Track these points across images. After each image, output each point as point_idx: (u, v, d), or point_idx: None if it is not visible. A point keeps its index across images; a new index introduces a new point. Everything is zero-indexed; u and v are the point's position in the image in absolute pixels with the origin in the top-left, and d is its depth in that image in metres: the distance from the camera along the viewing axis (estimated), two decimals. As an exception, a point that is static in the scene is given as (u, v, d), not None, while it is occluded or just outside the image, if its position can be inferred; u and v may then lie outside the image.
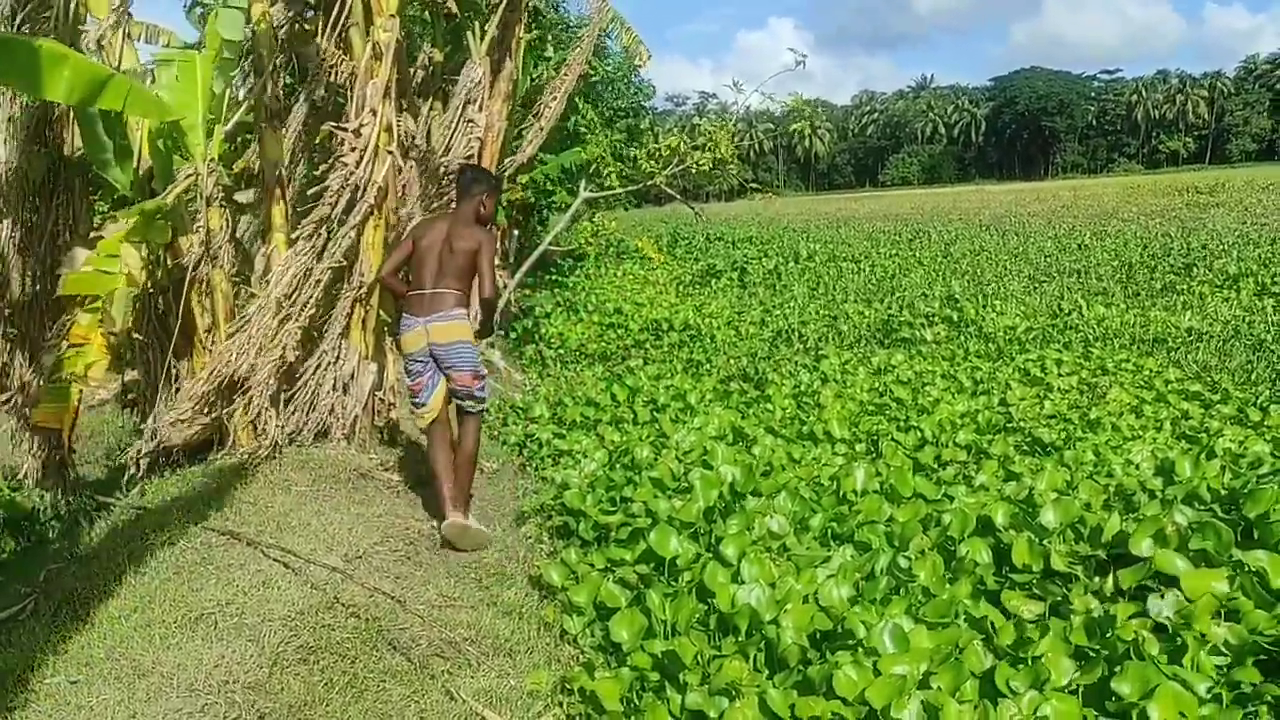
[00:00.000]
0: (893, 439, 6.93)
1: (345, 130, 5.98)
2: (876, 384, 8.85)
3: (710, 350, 11.61)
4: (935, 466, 6.15)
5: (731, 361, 10.61)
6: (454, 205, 5.64)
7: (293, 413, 5.93)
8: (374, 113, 5.94)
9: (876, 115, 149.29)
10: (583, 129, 20.45)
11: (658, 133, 25.01)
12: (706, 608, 4.05)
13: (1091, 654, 3.36)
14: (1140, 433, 6.94)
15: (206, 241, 5.56)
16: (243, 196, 6.32)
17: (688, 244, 26.54)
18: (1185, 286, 14.32)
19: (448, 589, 4.38)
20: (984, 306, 12.57)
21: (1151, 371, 9.01)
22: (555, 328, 13.67)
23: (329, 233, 5.90)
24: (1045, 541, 4.33)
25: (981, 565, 4.26)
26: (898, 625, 3.52)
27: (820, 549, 4.57)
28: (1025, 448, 6.58)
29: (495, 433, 8.18)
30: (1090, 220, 34.93)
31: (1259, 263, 15.15)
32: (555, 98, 8.57)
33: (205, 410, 5.59)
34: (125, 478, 5.67)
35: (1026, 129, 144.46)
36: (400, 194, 6.34)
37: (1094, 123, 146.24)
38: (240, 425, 5.79)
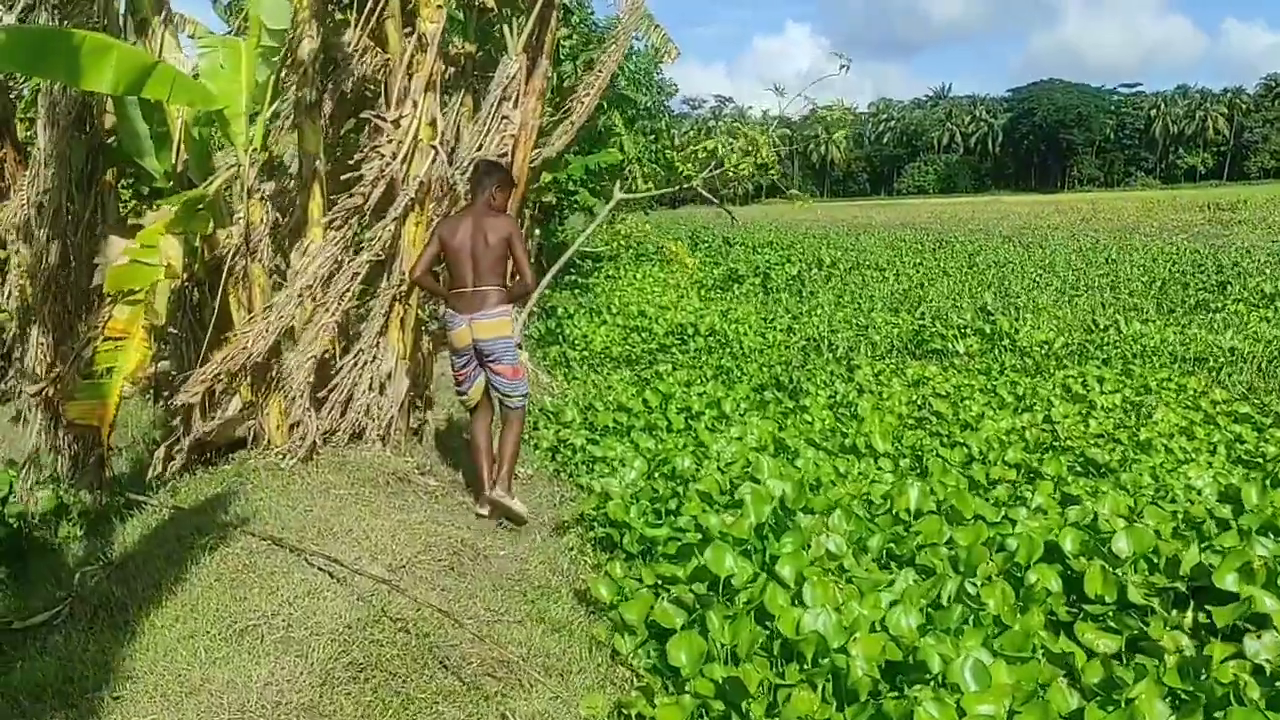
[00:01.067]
0: (938, 454, 6.75)
1: (384, 121, 5.82)
2: (915, 396, 8.67)
3: (740, 357, 11.44)
4: (986, 485, 5.96)
5: (764, 369, 10.42)
6: (469, 202, 5.67)
7: (328, 412, 5.77)
8: (415, 105, 5.78)
9: (893, 123, 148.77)
10: (610, 130, 20.31)
11: (674, 134, 24.82)
12: (768, 632, 3.87)
13: (1187, 697, 3.18)
14: (1194, 455, 6.75)
15: (246, 234, 5.40)
16: (268, 187, 6.17)
17: (707, 247, 26.38)
18: (1220, 304, 14.12)
19: (494, 602, 4.21)
20: (1017, 319, 12.35)
21: (1196, 391, 8.82)
22: (579, 329, 13.51)
23: (362, 225, 5.74)
24: (1119, 571, 4.15)
25: (1053, 594, 4.09)
26: (978, 661, 3.34)
27: (880, 572, 4.39)
28: (1078, 468, 6.39)
29: (527, 436, 8.00)
30: (1112, 234, 34.72)
31: (1295, 281, 14.94)
32: (590, 94, 8.40)
33: (222, 395, 5.45)
34: (156, 473, 5.53)
35: (1044, 141, 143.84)
36: (444, 192, 6.17)
37: (1112, 136, 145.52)
38: (275, 423, 5.63)
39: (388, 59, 6.54)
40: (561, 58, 13.74)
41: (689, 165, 11.74)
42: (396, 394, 5.98)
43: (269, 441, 5.65)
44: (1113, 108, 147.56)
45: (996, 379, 9.64)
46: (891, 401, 8.42)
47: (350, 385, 5.81)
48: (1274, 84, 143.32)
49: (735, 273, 20.40)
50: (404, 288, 5.93)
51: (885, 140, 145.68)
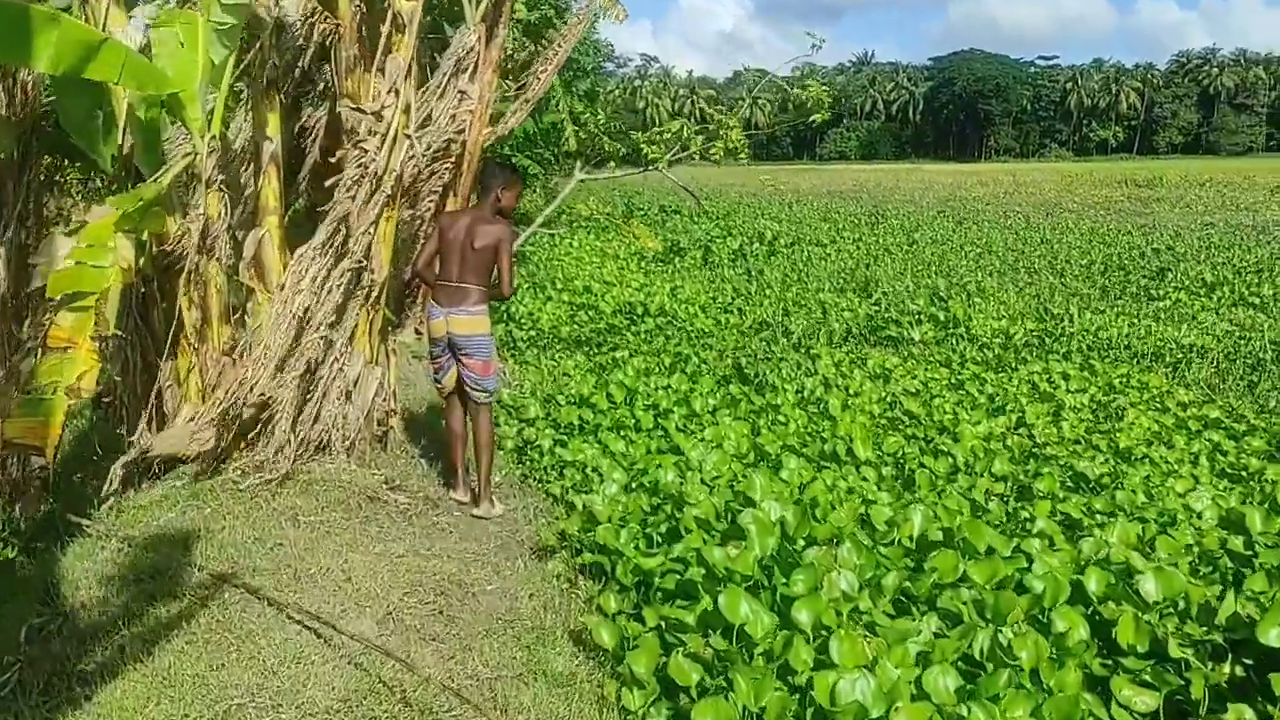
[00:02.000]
0: (922, 464, 6.56)
1: (364, 112, 5.33)
2: (884, 394, 8.47)
3: (695, 343, 11.14)
4: (982, 504, 5.76)
5: (722, 357, 10.14)
6: (477, 201, 5.70)
7: (299, 427, 5.31)
8: (396, 93, 5.30)
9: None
10: (549, 93, 19.73)
11: (599, 93, 24.15)
12: (798, 696, 3.59)
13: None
14: (1176, 467, 6.66)
15: (204, 229, 4.89)
16: (224, 177, 5.63)
17: (643, 215, 25.96)
18: (1162, 292, 14.24)
19: (490, 654, 3.86)
20: (969, 305, 12.26)
21: (1160, 390, 8.78)
22: (525, 307, 13.06)
23: (348, 230, 5.26)
24: (1149, 619, 3.97)
25: (1085, 645, 3.89)
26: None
27: (903, 620, 4.14)
28: (1069, 482, 6.24)
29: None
30: (1037, 209, 35.21)
31: (1233, 271, 15.14)
32: (546, 69, 7.96)
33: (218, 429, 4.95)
34: (111, 489, 5.02)
35: (963, 111, 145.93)
36: (413, 181, 5.71)
37: (1028, 108, 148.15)
38: (238, 440, 5.16)
39: (338, 25, 6.04)
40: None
41: (653, 148, 11.29)
42: (364, 402, 5.55)
43: (227, 455, 5.19)
44: (1030, 79, 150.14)
45: (960, 372, 9.50)
46: (861, 399, 8.21)
47: (320, 398, 5.35)
48: (1185, 61, 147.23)
49: (676, 245, 20.04)
50: (375, 289, 5.48)
51: (809, 105, 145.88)
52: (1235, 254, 17.90)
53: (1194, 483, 6.31)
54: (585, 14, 9.14)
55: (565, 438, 7.27)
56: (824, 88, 11.57)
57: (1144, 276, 15.58)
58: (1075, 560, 4.69)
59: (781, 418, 7.58)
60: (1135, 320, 11.81)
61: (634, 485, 6.07)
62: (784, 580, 4.38)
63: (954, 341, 11.12)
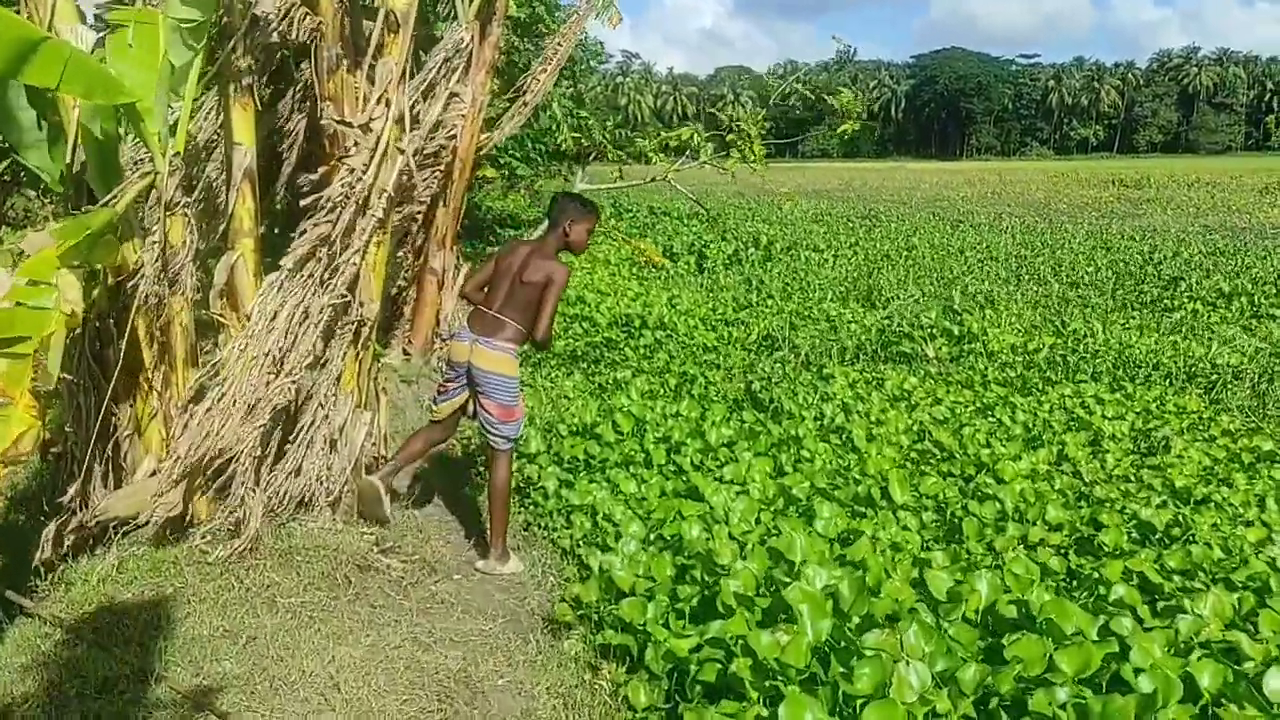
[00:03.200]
0: (966, 508, 5.96)
1: (350, 126, 4.66)
2: (910, 421, 7.87)
3: (698, 360, 10.51)
4: (1046, 561, 5.16)
5: (729, 378, 9.52)
6: (545, 232, 5.31)
7: (273, 484, 4.64)
8: (387, 103, 4.64)
9: (796, 84, 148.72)
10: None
11: (580, 90, 23.37)
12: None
13: None
14: (1243, 510, 6.09)
15: (164, 259, 4.22)
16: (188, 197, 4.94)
17: (632, 217, 25.28)
18: (1176, 302, 13.72)
19: (508, 777, 3.22)
20: (983, 319, 11.68)
21: (1203, 416, 8.23)
22: (516, 319, 12.38)
23: (331, 257, 4.60)
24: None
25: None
26: None
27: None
28: (1133, 533, 5.65)
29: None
30: (1027, 209, 34.83)
31: (1250, 280, 14.63)
32: (545, 70, 7.30)
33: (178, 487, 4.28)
34: (43, 556, 4.35)
35: (945, 109, 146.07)
36: (403, 198, 5.06)
37: (1009, 106, 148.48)
38: (205, 500, 4.49)
39: (320, 22, 5.38)
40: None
41: (661, 156, 10.61)
42: (352, 451, 4.89)
43: (193, 519, 4.52)
44: (1011, 78, 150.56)
45: (983, 394, 8.92)
46: (887, 429, 7.60)
47: (303, 449, 4.69)
48: (1164, 60, 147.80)
49: (669, 249, 19.39)
50: (364, 324, 4.82)
51: (791, 102, 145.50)
52: (1241, 260, 17.43)
53: (1266, 530, 5.75)
54: (581, 15, 8.45)
55: (570, 476, 6.63)
56: (853, 98, 10.83)
57: (1155, 286, 15.05)
58: (1171, 642, 4.09)
59: (805, 452, 6.96)
60: (1158, 334, 11.26)
61: (653, 538, 5.45)
62: (843, 671, 3.77)
63: (970, 358, 10.54)
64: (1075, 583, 4.97)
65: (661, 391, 9.13)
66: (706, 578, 4.79)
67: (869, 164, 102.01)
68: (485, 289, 5.22)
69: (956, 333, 11.29)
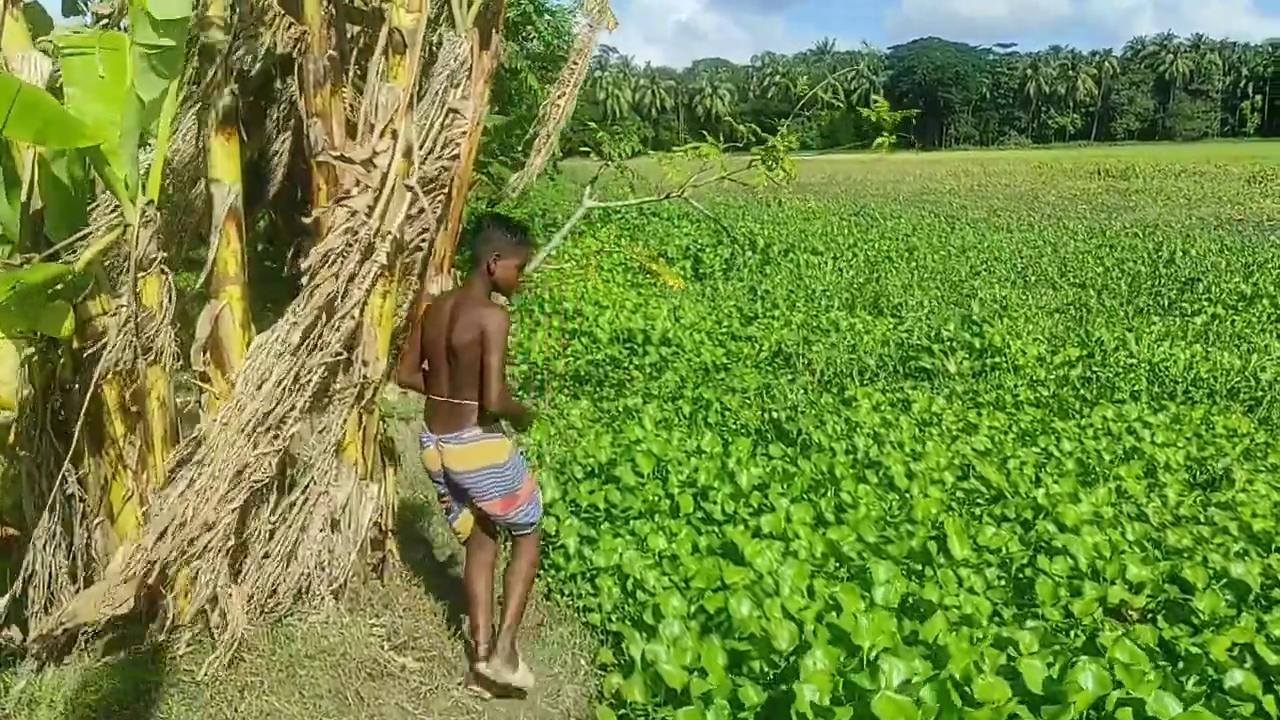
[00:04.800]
0: (1035, 564, 5.41)
1: (349, 162, 4.03)
2: (951, 453, 7.32)
3: (710, 381, 9.93)
4: (1130, 634, 4.60)
5: (747, 404, 8.94)
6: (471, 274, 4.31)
7: (261, 573, 4.02)
8: (394, 135, 4.02)
9: (778, 77, 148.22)
10: (523, 90, 18.38)
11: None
12: None
13: None
14: (1331, 558, 5.56)
15: (136, 326, 3.59)
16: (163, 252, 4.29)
17: (622, 220, 24.67)
18: (1196, 306, 13.25)
19: None
20: (1007, 333, 11.14)
21: (1256, 440, 7.72)
22: (513, 337, 11.77)
23: (330, 311, 3.97)
24: None
25: None
26: None
27: None
28: (1227, 594, 5.10)
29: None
30: (1015, 202, 34.45)
31: (1273, 282, 14.16)
32: (564, 94, 6.67)
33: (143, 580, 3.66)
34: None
35: (923, 98, 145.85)
36: (416, 245, 4.44)
37: (987, 95, 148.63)
38: (184, 592, 3.87)
39: (304, 32, 4.75)
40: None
41: (676, 171, 10.00)
42: (356, 531, 4.26)
43: (172, 621, 3.89)
44: (989, 67, 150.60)
45: (1018, 416, 8.39)
46: (927, 465, 7.04)
47: (297, 530, 4.07)
48: (1139, 48, 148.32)
49: (662, 253, 18.80)
50: (367, 387, 4.21)
51: (770, 95, 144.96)
52: (1253, 257, 17.00)
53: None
54: (591, 32, 7.80)
55: (591, 530, 6.05)
56: (882, 101, 10.23)
57: (1171, 287, 14.57)
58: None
59: (846, 496, 6.38)
60: (1185, 343, 10.75)
61: (695, 611, 4.86)
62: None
63: (995, 374, 10.00)
64: (1181, 665, 4.40)
65: (676, 420, 8.56)
66: (766, 668, 4.23)
67: (850, 156, 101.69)
68: (423, 367, 4.31)
69: (978, 346, 10.74)
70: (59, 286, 3.37)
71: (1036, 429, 7.95)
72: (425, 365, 4.27)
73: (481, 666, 4.18)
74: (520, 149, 19.40)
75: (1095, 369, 9.78)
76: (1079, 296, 14.16)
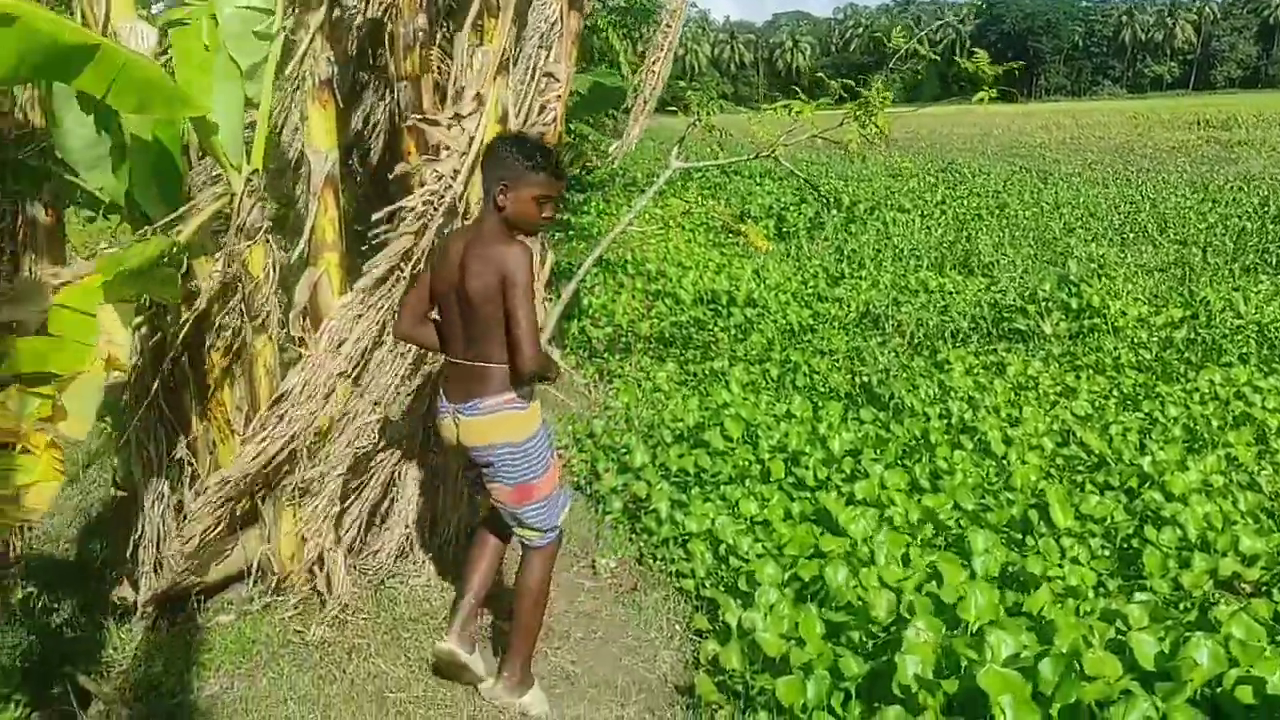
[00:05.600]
0: (1142, 535, 5.25)
1: (436, 124, 4.02)
2: (1050, 419, 7.12)
3: (796, 342, 9.81)
4: (1247, 610, 4.43)
5: (836, 367, 8.81)
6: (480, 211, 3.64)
7: (360, 533, 4.09)
8: (479, 98, 3.99)
9: (860, 30, 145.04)
10: (605, 49, 18.23)
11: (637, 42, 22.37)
12: None
13: None
14: None
15: (243, 293, 3.64)
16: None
17: (704, 179, 24.46)
18: (1307, 263, 12.67)
19: None
20: (1106, 291, 10.79)
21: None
22: (597, 299, 11.77)
23: (414, 274, 3.99)
24: None
25: None
26: None
27: None
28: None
29: (586, 483, 6.41)
30: (1110, 155, 33.25)
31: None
32: (658, 59, 6.54)
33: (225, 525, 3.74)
34: (108, 627, 3.86)
35: (1012, 49, 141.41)
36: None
37: (1080, 44, 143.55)
38: (289, 554, 3.95)
39: (396, -1, 4.75)
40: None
41: (769, 130, 9.83)
42: (455, 493, 4.29)
43: (276, 584, 3.97)
44: (1081, 14, 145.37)
45: (1117, 378, 8.13)
46: (1025, 431, 6.86)
47: (396, 492, 4.12)
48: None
49: (746, 213, 18.60)
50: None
51: (852, 47, 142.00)
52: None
53: None
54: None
55: (681, 495, 6.03)
56: (986, 57, 9.89)
57: (1275, 243, 13.96)
58: None
59: (941, 462, 6.26)
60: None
61: (790, 581, 4.82)
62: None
63: (1094, 336, 9.70)
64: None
65: (763, 383, 8.48)
66: (864, 638, 4.18)
67: (935, 109, 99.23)
68: (431, 318, 3.65)
69: (1075, 306, 10.42)
70: (166, 256, 3.42)
71: (1139, 393, 7.70)
72: (436, 315, 3.64)
73: (486, 689, 3.69)
74: (605, 111, 19.29)
75: (1200, 330, 9.43)
76: (1181, 254, 13.63)
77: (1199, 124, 47.44)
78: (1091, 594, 4.72)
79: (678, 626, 4.61)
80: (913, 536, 5.23)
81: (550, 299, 9.06)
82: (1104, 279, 11.86)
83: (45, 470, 3.02)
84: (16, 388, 3.07)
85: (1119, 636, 4.06)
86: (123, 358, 3.26)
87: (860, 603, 4.38)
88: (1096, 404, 7.49)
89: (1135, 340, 9.33)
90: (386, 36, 5.01)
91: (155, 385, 3.94)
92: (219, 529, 3.84)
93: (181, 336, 3.85)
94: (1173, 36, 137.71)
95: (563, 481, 3.82)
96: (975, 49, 10.54)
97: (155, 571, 3.95)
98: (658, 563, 5.39)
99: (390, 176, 4.99)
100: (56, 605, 4.09)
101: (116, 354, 3.22)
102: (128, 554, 4.01)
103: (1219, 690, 3.66)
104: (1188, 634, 3.87)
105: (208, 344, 3.79)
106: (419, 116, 4.18)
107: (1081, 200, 19.38)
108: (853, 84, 10.03)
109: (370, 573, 4.13)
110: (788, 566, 4.92)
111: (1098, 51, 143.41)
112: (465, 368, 3.45)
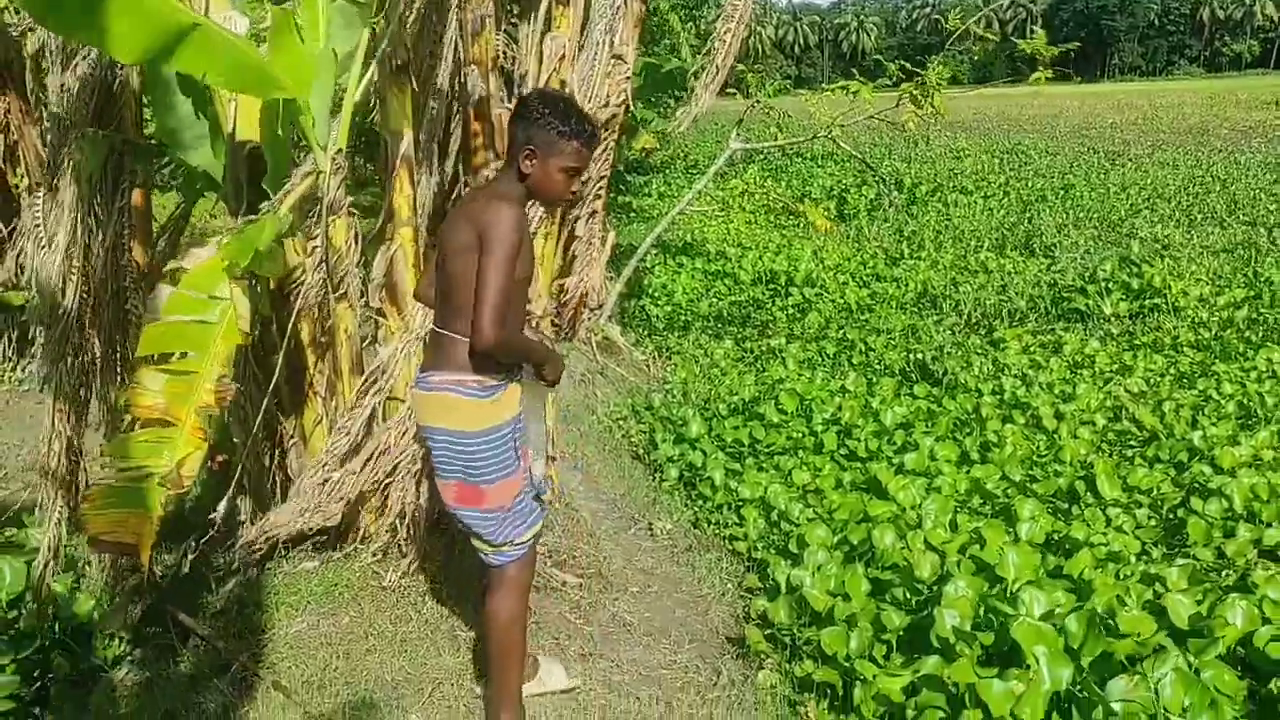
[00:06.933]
0: (1188, 505, 5.35)
1: (507, 109, 4.28)
2: (1103, 395, 7.20)
3: (854, 321, 9.96)
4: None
5: (892, 345, 8.94)
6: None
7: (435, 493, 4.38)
8: (562, 84, 4.24)
9: (927, 9, 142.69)
10: (663, 28, 18.38)
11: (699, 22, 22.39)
12: None
13: None
14: None
15: (329, 265, 3.94)
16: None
17: (765, 161, 24.53)
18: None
19: None
20: (1167, 272, 10.75)
21: None
22: (658, 278, 12.01)
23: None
24: None
25: None
26: None
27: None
28: None
29: (644, 453, 6.66)
30: (1183, 136, 32.54)
31: None
32: (729, 30, 6.72)
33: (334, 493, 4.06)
34: (214, 576, 4.20)
35: (1084, 27, 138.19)
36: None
37: (1155, 22, 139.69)
38: (374, 510, 4.26)
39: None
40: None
41: (827, 112, 9.96)
42: (537, 442, 4.56)
43: (364, 533, 4.29)
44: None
45: (1175, 357, 8.16)
46: (1078, 406, 6.96)
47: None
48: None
49: (806, 194, 18.69)
50: (530, 322, 4.49)
51: (920, 28, 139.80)
52: None
53: None
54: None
55: (736, 464, 6.26)
56: (1044, 37, 9.91)
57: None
58: None
59: (991, 436, 6.41)
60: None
61: (839, 544, 5.02)
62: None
63: (1153, 316, 9.70)
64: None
65: (819, 360, 8.66)
66: (908, 596, 4.38)
67: (1003, 91, 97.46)
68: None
69: (1136, 286, 10.41)
70: (279, 234, 3.74)
71: (1196, 371, 7.74)
72: None
73: None
74: (667, 91, 19.44)
75: (1263, 310, 9.38)
76: (1249, 235, 13.46)
77: (1277, 104, 46.13)
78: (1134, 560, 4.85)
79: (730, 585, 4.84)
80: (960, 505, 5.40)
81: (611, 278, 9.30)
82: (1167, 260, 11.80)
83: (193, 442, 3.35)
84: (158, 369, 3.40)
85: (1156, 600, 4.20)
86: (248, 331, 3.59)
87: (905, 564, 4.57)
88: (1152, 381, 7.55)
89: (1195, 320, 9.32)
90: (454, 23, 5.28)
91: (247, 354, 4.26)
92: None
93: (272, 306, 4.17)
94: (1252, 14, 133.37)
95: (527, 492, 3.18)
96: (1037, 29, 10.51)
97: (250, 523, 4.28)
98: (711, 527, 5.62)
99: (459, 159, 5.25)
100: (157, 555, 4.45)
101: (245, 328, 3.55)
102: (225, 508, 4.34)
103: (1250, 649, 3.80)
104: (1224, 597, 4.01)
105: (296, 312, 4.10)
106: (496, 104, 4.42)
107: (1149, 181, 19.13)
108: (909, 65, 10.08)
109: (445, 526, 4.42)
110: (837, 530, 5.12)
111: (1174, 30, 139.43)
112: (432, 334, 3.08)
